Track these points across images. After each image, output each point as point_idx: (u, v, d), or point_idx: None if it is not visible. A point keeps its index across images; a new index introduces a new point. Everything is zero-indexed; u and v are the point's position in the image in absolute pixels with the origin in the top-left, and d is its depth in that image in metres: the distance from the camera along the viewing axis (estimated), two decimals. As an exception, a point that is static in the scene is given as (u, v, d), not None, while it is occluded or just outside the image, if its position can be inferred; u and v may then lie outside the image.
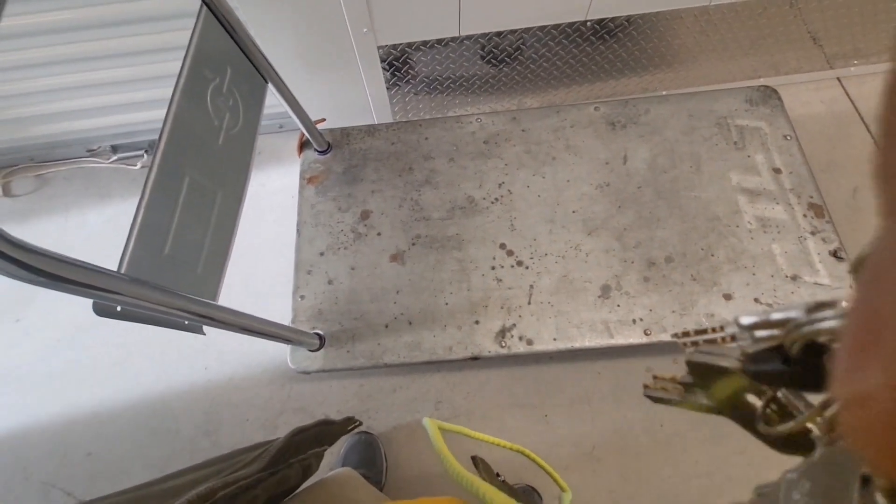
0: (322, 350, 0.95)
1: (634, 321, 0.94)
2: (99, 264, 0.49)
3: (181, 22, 1.01)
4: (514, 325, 0.95)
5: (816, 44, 1.23)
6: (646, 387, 0.32)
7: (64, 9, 0.96)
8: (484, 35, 1.07)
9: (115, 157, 1.36)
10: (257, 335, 0.76)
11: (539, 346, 0.93)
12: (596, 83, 1.28)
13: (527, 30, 1.07)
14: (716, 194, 1.02)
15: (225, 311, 0.67)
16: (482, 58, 1.14)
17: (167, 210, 0.62)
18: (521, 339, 0.94)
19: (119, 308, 0.55)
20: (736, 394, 0.27)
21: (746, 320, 0.22)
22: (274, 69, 0.86)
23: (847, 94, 1.34)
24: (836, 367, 0.10)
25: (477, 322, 0.95)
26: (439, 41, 1.07)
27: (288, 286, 1.02)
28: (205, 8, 0.70)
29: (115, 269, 0.53)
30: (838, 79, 1.36)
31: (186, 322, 0.63)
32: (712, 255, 0.98)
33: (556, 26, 1.07)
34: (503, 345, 0.93)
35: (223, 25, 0.74)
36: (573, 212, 1.03)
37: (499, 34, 1.07)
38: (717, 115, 1.10)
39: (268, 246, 1.25)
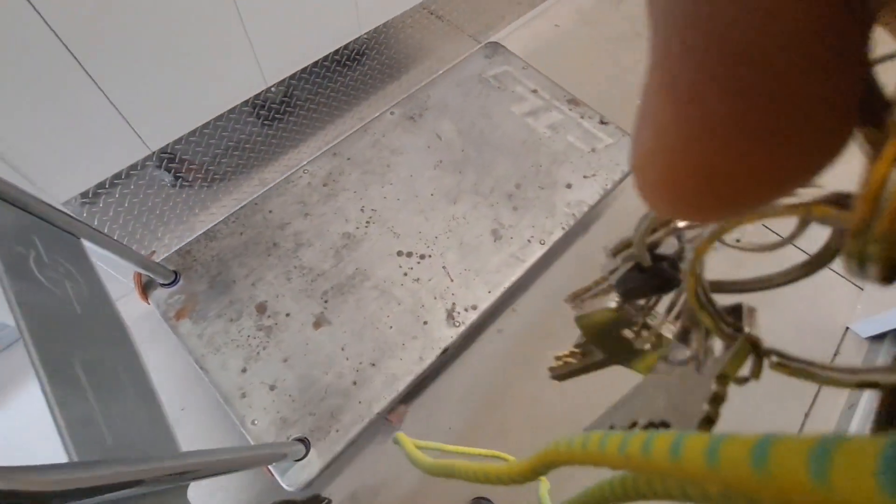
0: (312, 450, 0.86)
1: (528, 241, 1.10)
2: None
3: None
4: (454, 303, 1.02)
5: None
6: (551, 370, 0.30)
7: None
8: (248, 100, 1.09)
9: None
10: (239, 469, 0.66)
11: (483, 305, 1.02)
12: (379, 92, 1.44)
13: (292, 76, 1.14)
14: (513, 126, 1.27)
15: (197, 455, 0.57)
16: (258, 117, 1.16)
17: (81, 400, 0.51)
18: (466, 310, 1.01)
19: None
20: (614, 330, 0.25)
21: (608, 247, 0.22)
22: (79, 220, 0.75)
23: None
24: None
25: (426, 322, 0.99)
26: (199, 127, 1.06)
27: (230, 429, 0.89)
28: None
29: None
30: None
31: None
32: (540, 166, 1.21)
33: (315, 63, 1.17)
34: (457, 323, 0.99)
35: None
36: (431, 194, 1.15)
37: (262, 94, 1.11)
38: (475, 74, 1.35)
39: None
